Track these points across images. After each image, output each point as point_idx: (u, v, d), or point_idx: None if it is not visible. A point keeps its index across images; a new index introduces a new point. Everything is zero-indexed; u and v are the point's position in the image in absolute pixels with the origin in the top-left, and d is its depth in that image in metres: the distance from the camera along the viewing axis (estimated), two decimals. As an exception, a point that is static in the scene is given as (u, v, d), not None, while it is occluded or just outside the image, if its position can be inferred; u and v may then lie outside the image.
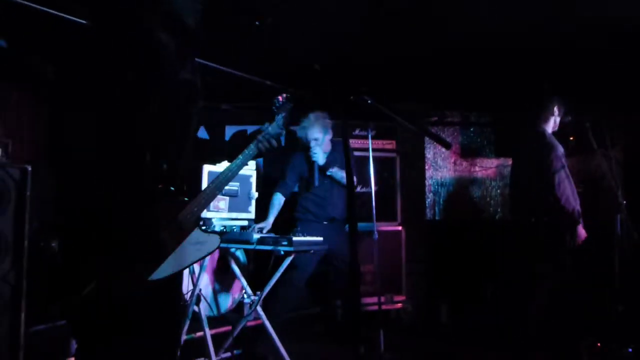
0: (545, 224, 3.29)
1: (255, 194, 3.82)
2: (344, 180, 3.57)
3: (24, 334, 2.09)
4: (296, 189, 3.84)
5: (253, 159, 2.03)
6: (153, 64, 1.57)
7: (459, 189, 5.15)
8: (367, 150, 3.57)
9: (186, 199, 1.77)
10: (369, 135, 3.61)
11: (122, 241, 1.56)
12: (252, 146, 2.01)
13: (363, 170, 4.10)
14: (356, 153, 4.36)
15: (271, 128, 2.09)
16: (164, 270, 1.64)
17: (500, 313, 4.11)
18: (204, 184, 3.21)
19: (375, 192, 3.60)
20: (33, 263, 2.00)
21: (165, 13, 1.59)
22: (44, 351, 2.36)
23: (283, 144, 3.80)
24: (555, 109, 3.62)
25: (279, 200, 3.68)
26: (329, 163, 3.70)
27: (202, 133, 4.84)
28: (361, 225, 3.86)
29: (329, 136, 3.69)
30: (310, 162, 3.68)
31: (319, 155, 3.56)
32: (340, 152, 3.74)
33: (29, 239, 2.16)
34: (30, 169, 2.28)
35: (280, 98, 2.16)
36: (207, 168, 3.42)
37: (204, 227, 1.81)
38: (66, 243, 1.56)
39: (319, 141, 3.63)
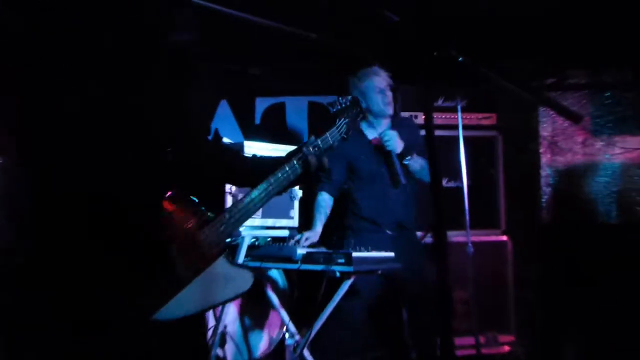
0: None
1: (299, 193, 3.93)
2: (425, 173, 3.65)
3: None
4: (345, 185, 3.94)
5: (294, 184, 2.14)
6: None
7: (591, 181, 5.02)
8: (455, 128, 3.85)
9: (210, 214, 1.91)
10: (458, 107, 3.90)
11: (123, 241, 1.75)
12: (294, 163, 2.12)
13: (449, 157, 4.22)
14: (439, 132, 4.43)
15: (328, 136, 2.21)
16: (175, 308, 1.75)
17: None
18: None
19: (469, 187, 3.84)
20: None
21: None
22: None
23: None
24: None
25: (325, 201, 3.73)
26: (407, 151, 3.76)
27: (224, 109, 4.99)
28: (448, 234, 3.51)
29: (390, 107, 3.71)
30: (364, 144, 3.69)
31: (395, 140, 3.57)
32: (406, 132, 3.79)
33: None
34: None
35: (341, 99, 2.30)
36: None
37: (230, 257, 1.94)
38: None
39: (385, 102, 3.65)
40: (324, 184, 3.73)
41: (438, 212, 1.67)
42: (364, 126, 3.80)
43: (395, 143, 3.58)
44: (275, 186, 2.09)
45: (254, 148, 3.67)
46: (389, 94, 3.72)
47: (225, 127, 4.92)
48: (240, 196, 2.32)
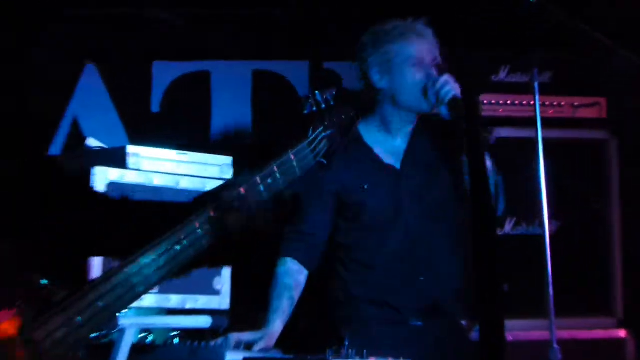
0: None
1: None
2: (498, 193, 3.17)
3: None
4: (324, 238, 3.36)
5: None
6: None
7: None
8: (527, 123, 3.30)
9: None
10: (535, 85, 3.21)
11: None
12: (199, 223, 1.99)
13: (517, 179, 3.56)
14: (499, 132, 3.90)
15: (291, 158, 2.05)
16: None
17: None
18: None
19: (554, 237, 3.28)
20: None
21: None
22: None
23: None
24: None
25: (292, 275, 3.14)
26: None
27: (91, 82, 4.31)
28: (514, 325, 3.59)
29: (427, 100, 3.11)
30: (368, 161, 3.20)
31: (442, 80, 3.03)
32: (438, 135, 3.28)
33: None
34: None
35: (322, 94, 2.16)
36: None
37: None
38: None
39: (425, 90, 3.07)
40: (291, 242, 3.14)
41: (483, 283, 1.45)
42: (368, 131, 3.20)
43: (455, 85, 2.97)
44: (169, 261, 1.96)
45: (145, 158, 3.07)
46: (434, 75, 3.08)
47: (92, 117, 4.27)
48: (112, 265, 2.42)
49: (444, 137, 3.31)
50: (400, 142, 3.18)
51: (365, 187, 3.17)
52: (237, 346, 2.95)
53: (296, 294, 3.12)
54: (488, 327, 1.56)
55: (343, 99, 2.24)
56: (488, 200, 1.66)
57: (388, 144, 3.19)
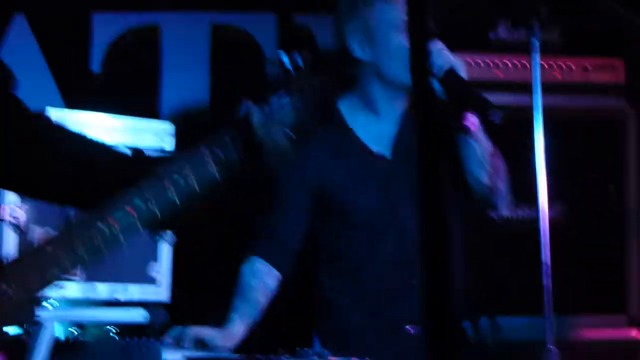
0: None
1: (169, 235, 3.18)
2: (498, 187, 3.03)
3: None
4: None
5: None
6: None
7: None
8: (525, 86, 2.98)
9: None
10: (535, 47, 2.86)
11: None
12: (196, 158, 1.89)
13: (513, 155, 3.24)
14: (502, 99, 3.40)
15: (260, 121, 1.93)
16: None
17: None
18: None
19: (554, 224, 2.91)
20: None
21: None
22: None
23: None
24: None
25: (260, 277, 3.02)
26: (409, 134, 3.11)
27: (22, 37, 3.97)
28: (512, 321, 3.54)
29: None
30: (356, 150, 3.07)
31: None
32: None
33: None
34: None
35: (290, 55, 2.01)
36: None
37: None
38: None
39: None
40: (261, 240, 3.02)
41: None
42: (350, 112, 3.03)
43: (450, 56, 2.82)
44: (160, 203, 1.86)
45: (70, 122, 2.73)
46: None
47: (22, 76, 3.61)
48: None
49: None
50: (388, 126, 2.99)
51: (352, 180, 3.03)
52: (196, 343, 2.80)
53: (263, 297, 2.96)
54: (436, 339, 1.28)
55: (317, 64, 2.08)
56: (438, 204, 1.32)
57: (374, 128, 3.02)
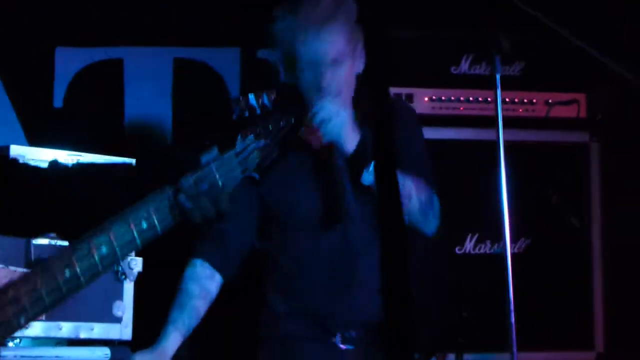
0: None
1: (138, 265, 3.29)
2: (427, 214, 2.93)
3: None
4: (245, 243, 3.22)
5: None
6: None
7: None
8: (494, 123, 3.13)
9: None
10: (497, 79, 3.11)
11: None
12: (159, 202, 1.92)
13: (479, 187, 3.54)
14: (463, 134, 3.76)
15: (213, 170, 1.97)
16: None
17: None
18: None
19: (520, 253, 3.50)
20: None
21: None
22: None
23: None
24: None
25: (200, 280, 3.00)
26: (366, 152, 2.99)
27: None
28: (478, 358, 3.58)
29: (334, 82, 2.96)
30: (299, 153, 3.00)
31: (342, 124, 2.87)
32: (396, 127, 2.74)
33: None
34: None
35: (256, 97, 2.07)
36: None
37: None
38: None
39: (339, 77, 2.93)
40: (206, 241, 2.93)
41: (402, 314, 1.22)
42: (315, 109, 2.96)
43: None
44: (125, 243, 1.87)
45: (31, 160, 3.10)
46: (343, 53, 2.88)
47: None
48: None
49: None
50: (351, 130, 2.91)
51: (290, 182, 3.00)
52: None
53: (201, 304, 2.90)
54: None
55: (284, 102, 2.11)
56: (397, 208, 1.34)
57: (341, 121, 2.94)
